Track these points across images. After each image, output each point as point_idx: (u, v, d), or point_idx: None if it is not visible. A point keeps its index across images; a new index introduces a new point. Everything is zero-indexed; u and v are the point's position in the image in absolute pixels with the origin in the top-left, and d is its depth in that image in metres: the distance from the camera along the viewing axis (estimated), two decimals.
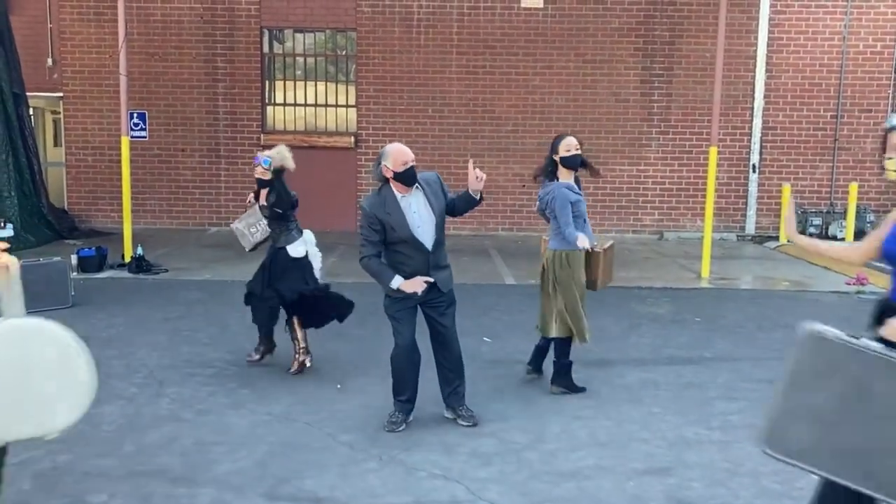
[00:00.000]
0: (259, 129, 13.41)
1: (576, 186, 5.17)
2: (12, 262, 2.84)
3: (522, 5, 13.13)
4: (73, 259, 9.10)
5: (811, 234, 13.00)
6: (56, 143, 14.82)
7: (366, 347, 6.37)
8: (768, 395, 4.54)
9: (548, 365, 5.52)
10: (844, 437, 2.55)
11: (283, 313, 5.89)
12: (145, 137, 13.24)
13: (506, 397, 5.26)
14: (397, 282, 4.43)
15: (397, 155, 4.44)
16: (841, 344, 2.56)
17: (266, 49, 13.53)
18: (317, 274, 5.96)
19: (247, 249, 6.13)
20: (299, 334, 5.82)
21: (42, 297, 7.44)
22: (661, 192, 13.51)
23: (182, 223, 13.48)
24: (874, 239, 2.96)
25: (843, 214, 12.77)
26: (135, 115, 12.88)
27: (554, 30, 13.18)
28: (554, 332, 5.22)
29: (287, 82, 13.68)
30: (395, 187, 4.49)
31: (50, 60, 13.31)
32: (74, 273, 8.70)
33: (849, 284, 9.20)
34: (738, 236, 13.51)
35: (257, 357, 5.93)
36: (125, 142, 9.83)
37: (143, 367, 5.80)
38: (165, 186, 13.48)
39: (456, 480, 3.99)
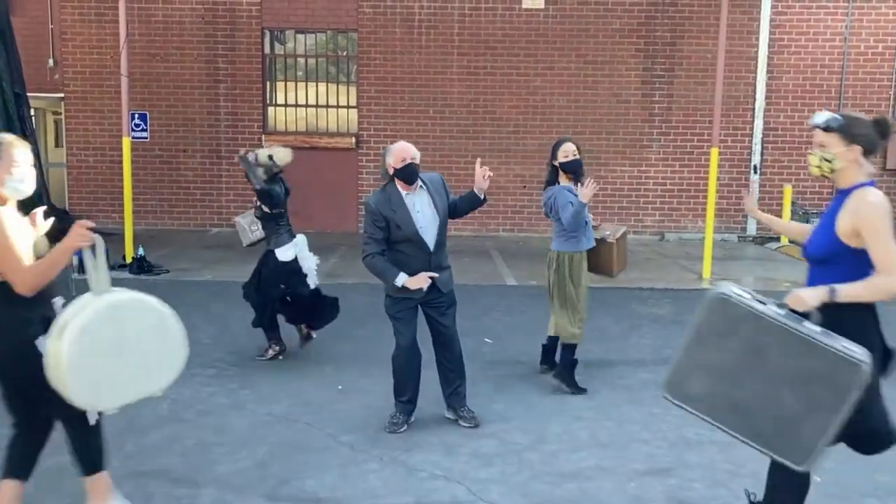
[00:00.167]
0: (260, 130, 13.41)
1: (575, 189, 5.24)
2: (98, 240, 3.04)
3: (523, 6, 13.13)
4: (74, 260, 9.09)
5: None
6: (57, 144, 14.82)
7: (367, 348, 6.37)
8: None
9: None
10: (736, 393, 2.78)
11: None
12: (146, 138, 13.25)
13: (507, 398, 5.26)
14: (401, 279, 4.43)
15: (398, 152, 4.48)
16: (743, 308, 2.74)
17: (267, 50, 13.54)
18: (310, 276, 6.03)
19: (244, 244, 6.30)
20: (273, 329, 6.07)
21: None
22: (662, 192, 13.50)
23: (183, 224, 13.48)
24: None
25: None
26: (136, 115, 12.89)
27: (555, 31, 13.18)
28: (559, 333, 5.43)
29: (288, 83, 13.68)
30: (399, 185, 4.51)
31: (51, 61, 13.32)
32: (75, 274, 8.67)
33: None
34: (739, 237, 13.50)
35: (271, 354, 5.99)
36: (126, 142, 9.83)
37: None
38: (167, 187, 13.48)
39: (457, 481, 3.99)
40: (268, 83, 13.58)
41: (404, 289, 4.47)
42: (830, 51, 13.22)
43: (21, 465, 3.28)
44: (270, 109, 13.65)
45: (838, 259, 2.90)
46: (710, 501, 3.83)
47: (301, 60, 13.68)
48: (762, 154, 13.44)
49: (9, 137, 3.17)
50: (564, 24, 13.16)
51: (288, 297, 5.98)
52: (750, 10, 13.05)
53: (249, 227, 6.21)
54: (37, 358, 2.99)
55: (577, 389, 5.38)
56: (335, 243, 11.71)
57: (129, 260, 9.63)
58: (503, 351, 6.42)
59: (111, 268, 9.43)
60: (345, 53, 13.68)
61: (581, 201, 5.00)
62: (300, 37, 13.62)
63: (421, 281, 4.43)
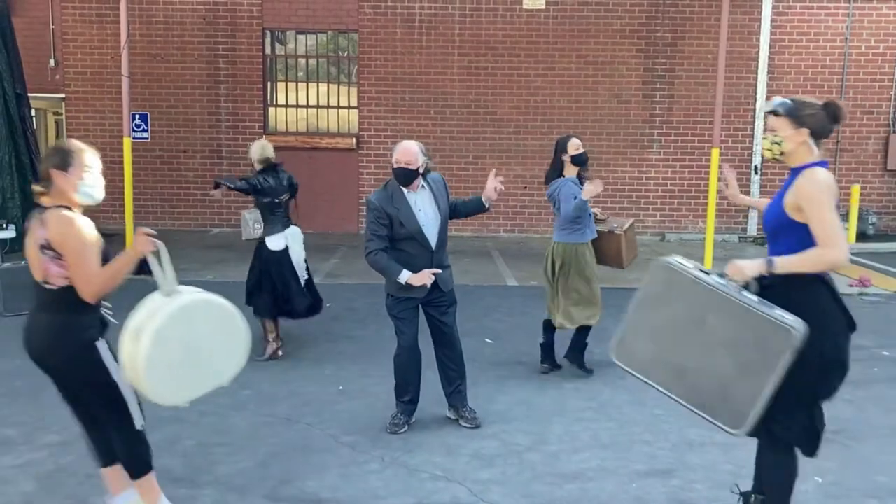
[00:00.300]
0: (261, 131, 13.41)
1: (579, 182, 5.53)
2: (161, 245, 3.21)
3: (524, 6, 13.12)
4: None
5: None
6: None
7: (367, 349, 6.37)
8: None
9: (560, 352, 5.87)
10: (677, 358, 2.91)
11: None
12: (147, 138, 13.26)
13: (508, 399, 5.26)
14: (405, 276, 4.41)
15: (398, 153, 4.53)
16: (685, 275, 2.88)
17: (268, 50, 13.54)
18: (298, 269, 6.17)
19: (243, 237, 6.50)
20: (269, 324, 6.14)
21: None
22: (663, 193, 13.50)
23: (184, 224, 13.49)
24: None
25: (845, 216, 12.74)
26: (137, 116, 12.90)
27: (556, 31, 13.18)
28: (575, 322, 5.64)
29: (289, 83, 13.68)
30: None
31: (52, 61, 13.33)
32: None
33: (851, 286, 9.19)
34: (739, 238, 13.49)
35: (269, 352, 6.05)
36: (127, 143, 9.83)
37: None
38: (167, 188, 13.48)
39: (458, 482, 3.99)
40: (268, 84, 13.58)
41: (407, 286, 4.47)
42: (831, 51, 13.22)
43: (108, 451, 3.41)
44: (271, 110, 13.65)
45: (787, 232, 2.99)
46: (711, 502, 3.83)
47: (302, 61, 13.68)
48: (763, 155, 13.42)
49: (79, 143, 3.23)
50: (565, 24, 13.16)
51: (275, 286, 6.16)
52: (751, 11, 13.04)
53: (252, 224, 6.36)
54: (97, 361, 3.16)
55: (585, 369, 5.77)
56: (336, 244, 11.71)
57: None
58: (504, 351, 6.42)
59: None
60: (345, 54, 13.68)
61: (583, 198, 5.22)
62: (301, 37, 13.62)
63: (424, 277, 4.41)
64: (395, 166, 4.48)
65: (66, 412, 4.82)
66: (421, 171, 4.51)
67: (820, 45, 13.21)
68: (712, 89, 11.66)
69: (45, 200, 3.16)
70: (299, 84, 13.67)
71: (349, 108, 13.62)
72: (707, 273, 2.89)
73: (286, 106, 13.68)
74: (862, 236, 12.61)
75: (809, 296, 2.92)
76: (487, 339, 6.74)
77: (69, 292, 3.10)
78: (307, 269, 6.42)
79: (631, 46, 13.21)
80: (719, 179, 3.49)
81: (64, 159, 3.13)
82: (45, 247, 3.06)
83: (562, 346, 5.85)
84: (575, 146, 5.48)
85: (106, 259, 3.20)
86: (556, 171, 5.55)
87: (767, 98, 2.79)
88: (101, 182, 3.28)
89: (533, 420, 4.87)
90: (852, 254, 11.51)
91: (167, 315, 3.10)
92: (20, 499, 3.78)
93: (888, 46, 13.21)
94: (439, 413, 4.88)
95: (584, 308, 5.55)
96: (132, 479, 3.37)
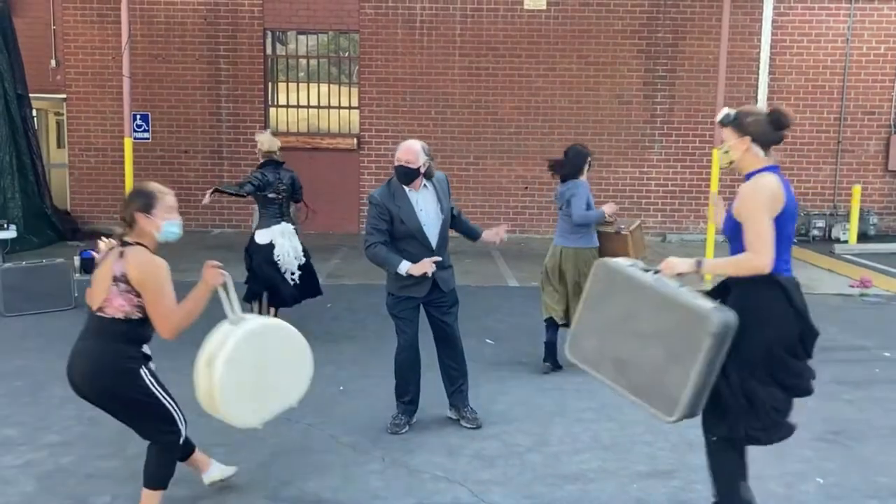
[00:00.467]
0: (263, 130, 13.39)
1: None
2: (227, 276, 3.41)
3: (525, 7, 13.12)
4: (76, 261, 9.10)
5: (814, 237, 12.99)
6: (59, 145, 14.84)
7: (368, 349, 6.37)
8: None
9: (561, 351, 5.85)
10: (617, 350, 3.08)
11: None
12: (148, 139, 13.26)
13: (509, 399, 5.26)
14: (405, 266, 4.40)
15: (399, 151, 4.52)
16: (621, 272, 3.09)
17: (269, 51, 13.54)
18: (282, 263, 6.35)
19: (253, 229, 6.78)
20: (255, 307, 6.41)
21: (44, 299, 7.46)
22: (664, 194, 13.49)
23: (185, 224, 13.21)
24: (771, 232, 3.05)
25: (847, 217, 12.74)
26: (138, 116, 12.89)
27: (557, 32, 13.18)
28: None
29: (290, 84, 13.68)
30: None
31: (53, 62, 13.33)
32: (77, 275, 8.69)
33: (852, 287, 9.18)
34: None
35: None
36: (128, 143, 9.83)
37: None
38: (168, 188, 13.43)
39: (459, 482, 3.99)
40: (269, 84, 13.58)
41: (408, 286, 4.46)
42: (832, 52, 13.21)
43: (186, 446, 3.61)
44: (272, 110, 13.65)
45: (737, 237, 3.08)
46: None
47: (303, 61, 13.68)
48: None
49: (160, 186, 3.44)
50: (566, 24, 13.15)
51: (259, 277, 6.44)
52: (752, 11, 13.04)
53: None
54: (138, 384, 3.27)
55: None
56: (337, 244, 11.71)
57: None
58: (505, 352, 6.42)
59: None
60: (346, 54, 13.69)
61: (606, 213, 5.62)
62: (302, 38, 13.63)
63: (425, 266, 4.38)
64: (396, 164, 4.50)
65: (67, 412, 4.85)
66: (422, 170, 4.50)
67: (821, 45, 13.20)
68: (713, 90, 11.66)
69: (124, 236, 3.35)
70: (300, 84, 13.67)
71: (350, 108, 13.62)
72: (645, 271, 3.07)
73: (287, 106, 13.68)
74: (863, 237, 12.60)
75: (760, 297, 3.00)
76: (488, 340, 6.73)
77: (119, 323, 3.25)
78: (305, 263, 6.52)
79: (632, 47, 13.21)
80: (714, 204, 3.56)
81: (148, 203, 3.33)
82: (120, 279, 3.22)
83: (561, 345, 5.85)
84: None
85: None
86: (575, 172, 5.68)
87: (720, 112, 2.91)
88: (180, 221, 3.48)
89: (534, 421, 4.87)
90: (853, 254, 11.53)
91: (238, 339, 3.31)
92: (20, 499, 3.78)
93: (889, 47, 13.20)
94: (440, 413, 4.87)
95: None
96: (143, 486, 3.43)
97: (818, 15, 13.14)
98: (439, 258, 4.50)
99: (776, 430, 3.11)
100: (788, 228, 3.05)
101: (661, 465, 4.27)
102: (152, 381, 3.32)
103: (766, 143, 3.11)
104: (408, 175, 4.47)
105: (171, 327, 3.26)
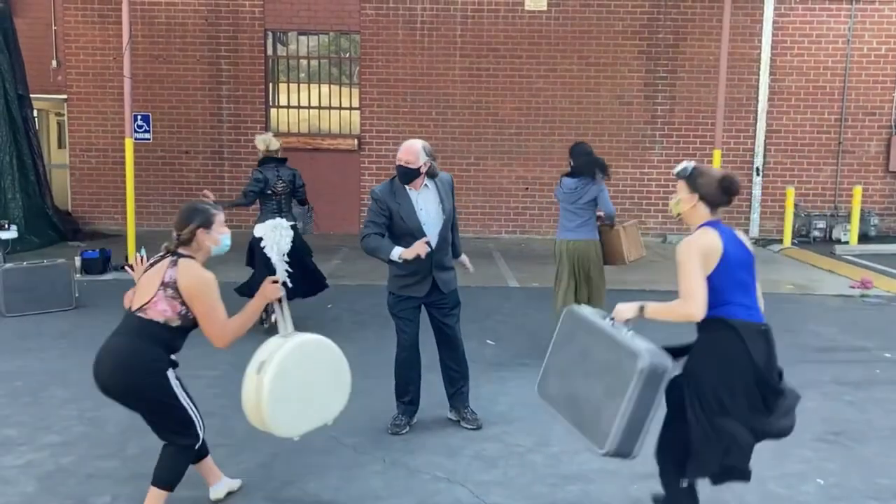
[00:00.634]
0: (263, 132, 13.41)
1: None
2: (283, 292, 3.57)
3: (526, 8, 13.13)
4: (77, 261, 9.11)
5: (815, 238, 12.99)
6: (60, 145, 14.84)
7: (368, 350, 6.36)
8: None
9: None
10: (571, 388, 3.28)
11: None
12: (149, 139, 13.27)
13: (509, 400, 5.26)
14: (397, 252, 4.34)
15: (400, 151, 4.51)
16: (580, 318, 3.33)
17: (270, 51, 13.55)
18: (269, 255, 6.44)
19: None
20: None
21: (45, 299, 7.47)
22: (665, 194, 13.48)
23: None
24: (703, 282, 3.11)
25: (847, 218, 12.74)
26: (139, 117, 12.91)
27: (557, 32, 13.18)
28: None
29: (291, 84, 13.69)
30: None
31: (54, 62, 13.35)
32: (78, 275, 8.70)
33: (853, 288, 9.18)
34: None
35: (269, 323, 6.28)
36: (129, 144, 9.84)
37: None
38: (169, 188, 13.48)
39: (460, 483, 3.99)
40: (270, 85, 13.59)
41: (409, 277, 4.48)
42: (833, 53, 13.21)
43: (200, 449, 3.65)
44: (273, 111, 13.66)
45: None
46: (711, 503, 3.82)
47: (303, 62, 13.69)
48: (765, 156, 13.43)
49: (209, 205, 3.58)
50: (567, 25, 13.16)
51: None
52: (752, 12, 13.04)
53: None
54: (163, 384, 3.35)
55: None
56: (337, 244, 11.71)
57: (131, 261, 9.62)
58: (505, 353, 6.41)
59: (113, 269, 9.43)
60: (347, 55, 13.70)
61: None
62: (303, 38, 13.64)
63: (419, 248, 4.32)
64: (397, 164, 4.50)
65: (67, 412, 4.85)
66: (423, 170, 4.49)
67: (822, 46, 13.20)
68: (714, 91, 11.67)
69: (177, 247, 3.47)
70: (301, 85, 13.68)
71: (351, 109, 13.63)
72: (603, 317, 3.26)
73: (288, 107, 13.69)
74: (864, 238, 12.60)
75: (710, 338, 3.13)
76: (489, 341, 6.73)
77: (158, 326, 3.34)
78: (301, 262, 6.54)
79: (633, 48, 13.21)
80: None
81: (208, 220, 3.49)
82: (169, 285, 3.33)
83: None
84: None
85: None
86: (591, 172, 5.96)
87: (679, 164, 3.06)
88: (230, 233, 3.62)
89: (534, 421, 4.86)
90: (854, 255, 11.54)
91: (289, 350, 3.47)
92: (21, 499, 3.78)
93: (890, 48, 13.20)
94: (441, 414, 4.87)
95: (600, 300, 5.95)
96: (151, 483, 3.46)
97: (819, 16, 13.14)
98: (431, 238, 4.46)
99: (733, 470, 3.25)
100: (738, 275, 3.13)
101: None
102: (177, 385, 3.41)
103: (713, 205, 3.23)
104: (407, 175, 4.47)
105: (225, 338, 3.41)
